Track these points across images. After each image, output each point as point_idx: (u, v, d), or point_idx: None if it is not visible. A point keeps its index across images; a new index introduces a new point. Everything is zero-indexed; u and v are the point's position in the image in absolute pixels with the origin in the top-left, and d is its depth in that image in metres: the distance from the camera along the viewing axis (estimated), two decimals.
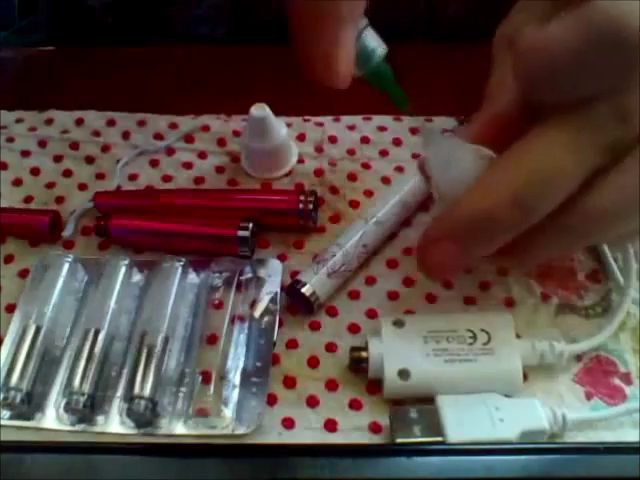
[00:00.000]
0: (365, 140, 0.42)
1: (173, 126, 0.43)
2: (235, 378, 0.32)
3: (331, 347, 0.34)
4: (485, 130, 0.29)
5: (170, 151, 0.42)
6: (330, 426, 0.32)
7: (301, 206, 0.37)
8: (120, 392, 0.32)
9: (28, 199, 0.40)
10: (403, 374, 0.31)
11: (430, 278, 0.32)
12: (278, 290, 0.35)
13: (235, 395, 0.32)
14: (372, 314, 0.35)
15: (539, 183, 0.25)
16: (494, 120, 0.29)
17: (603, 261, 0.36)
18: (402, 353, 0.32)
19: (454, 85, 0.38)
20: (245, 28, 0.50)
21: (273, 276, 0.36)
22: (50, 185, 0.41)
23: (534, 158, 0.26)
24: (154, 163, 0.42)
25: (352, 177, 0.41)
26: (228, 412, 0.31)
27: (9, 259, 0.37)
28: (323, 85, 0.29)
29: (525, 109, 0.28)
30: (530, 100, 0.27)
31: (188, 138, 0.43)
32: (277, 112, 0.39)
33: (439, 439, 0.29)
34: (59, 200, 0.40)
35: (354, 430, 0.31)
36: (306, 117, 0.44)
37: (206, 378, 0.32)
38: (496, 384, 0.31)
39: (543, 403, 0.31)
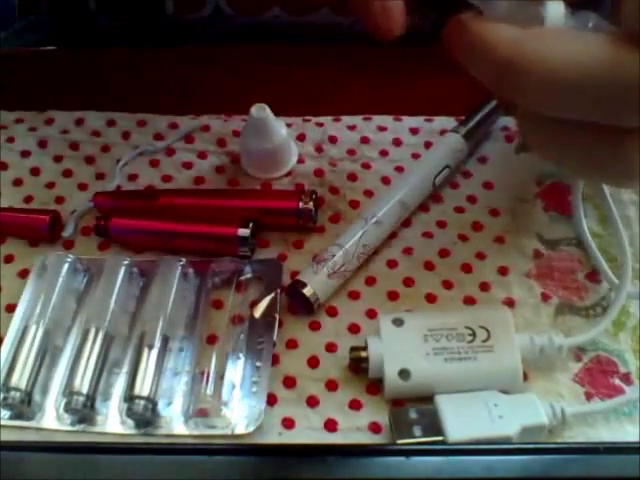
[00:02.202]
0: (365, 140, 0.42)
1: (173, 126, 0.43)
2: (235, 378, 0.32)
3: (331, 347, 0.34)
4: None
5: (170, 151, 0.42)
6: (330, 426, 0.32)
7: (301, 206, 0.37)
8: (120, 392, 0.32)
9: (28, 199, 0.40)
10: (403, 374, 0.31)
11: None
12: (278, 290, 0.35)
13: (235, 395, 0.32)
14: (372, 314, 0.35)
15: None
16: None
17: (598, 265, 0.36)
18: (402, 353, 0.32)
19: (454, 85, 0.38)
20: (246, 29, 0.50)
21: (273, 276, 0.36)
22: (50, 185, 0.41)
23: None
24: (154, 163, 0.42)
25: (352, 177, 0.41)
26: (228, 412, 0.31)
27: (9, 259, 0.37)
28: (382, 37, 0.30)
29: None
30: None
31: (188, 138, 0.43)
32: (277, 112, 0.39)
33: (439, 438, 0.29)
34: (59, 200, 0.40)
35: (354, 430, 0.31)
36: (306, 117, 0.44)
37: (206, 378, 0.32)
38: (496, 381, 0.31)
39: (542, 398, 0.31)
